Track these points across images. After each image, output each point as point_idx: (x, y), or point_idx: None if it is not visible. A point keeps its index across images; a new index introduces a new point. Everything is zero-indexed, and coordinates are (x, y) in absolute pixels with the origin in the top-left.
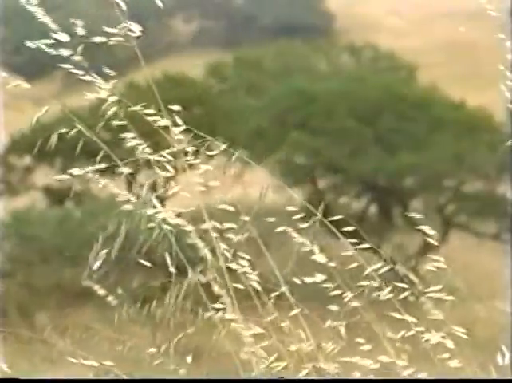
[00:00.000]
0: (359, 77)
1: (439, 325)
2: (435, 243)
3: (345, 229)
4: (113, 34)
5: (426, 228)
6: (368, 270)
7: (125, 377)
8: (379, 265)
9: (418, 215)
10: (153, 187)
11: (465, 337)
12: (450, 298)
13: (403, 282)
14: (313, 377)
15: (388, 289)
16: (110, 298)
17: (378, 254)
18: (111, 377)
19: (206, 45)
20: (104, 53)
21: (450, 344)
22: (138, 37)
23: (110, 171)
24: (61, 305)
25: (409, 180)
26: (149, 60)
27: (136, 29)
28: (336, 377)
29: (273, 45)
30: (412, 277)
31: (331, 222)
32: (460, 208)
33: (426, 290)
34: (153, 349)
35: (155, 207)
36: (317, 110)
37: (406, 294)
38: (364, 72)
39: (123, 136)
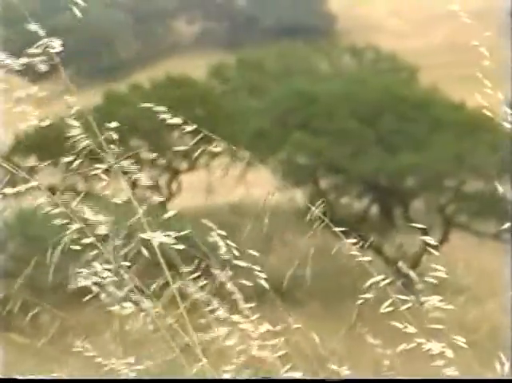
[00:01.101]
0: (360, 79)
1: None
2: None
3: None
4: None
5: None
6: (369, 282)
7: (125, 378)
8: (379, 277)
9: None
10: (156, 188)
11: (465, 346)
12: (450, 307)
13: (405, 287)
14: (313, 377)
15: (389, 301)
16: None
17: (380, 254)
18: (110, 377)
19: (209, 46)
20: (108, 55)
21: (449, 353)
22: (59, 52)
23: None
24: (64, 304)
25: (410, 180)
26: (152, 61)
27: (57, 44)
28: (336, 378)
29: (275, 46)
30: (414, 276)
31: (332, 222)
32: (461, 208)
33: (425, 299)
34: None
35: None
36: (319, 111)
37: (408, 305)
38: (365, 73)
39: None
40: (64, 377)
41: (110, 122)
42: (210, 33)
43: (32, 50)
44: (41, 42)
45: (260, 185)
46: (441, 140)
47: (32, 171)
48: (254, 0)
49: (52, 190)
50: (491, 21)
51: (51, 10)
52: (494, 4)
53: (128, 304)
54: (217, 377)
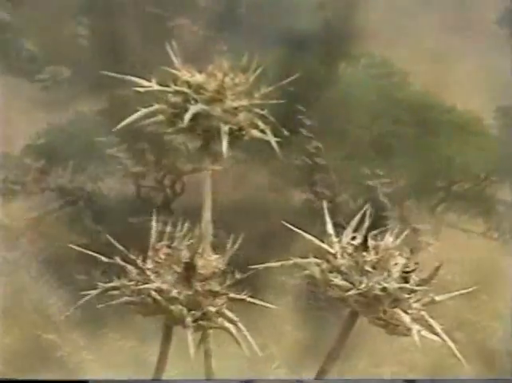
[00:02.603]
0: (356, 82)
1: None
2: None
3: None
4: None
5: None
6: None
7: (125, 378)
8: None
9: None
10: (160, 187)
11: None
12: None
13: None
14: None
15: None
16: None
17: None
18: (111, 377)
19: (210, 53)
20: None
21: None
22: None
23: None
24: (72, 300)
25: (403, 181)
26: (156, 67)
27: None
28: (337, 377)
29: (275, 53)
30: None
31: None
32: (451, 207)
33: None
34: None
35: None
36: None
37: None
38: (360, 77)
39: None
40: (64, 377)
41: (115, 124)
42: (211, 40)
43: None
44: None
45: (259, 185)
46: (433, 141)
47: (43, 172)
48: (253, 8)
49: (62, 190)
50: (480, 30)
51: (59, 19)
52: (483, 13)
53: None
54: (216, 377)
